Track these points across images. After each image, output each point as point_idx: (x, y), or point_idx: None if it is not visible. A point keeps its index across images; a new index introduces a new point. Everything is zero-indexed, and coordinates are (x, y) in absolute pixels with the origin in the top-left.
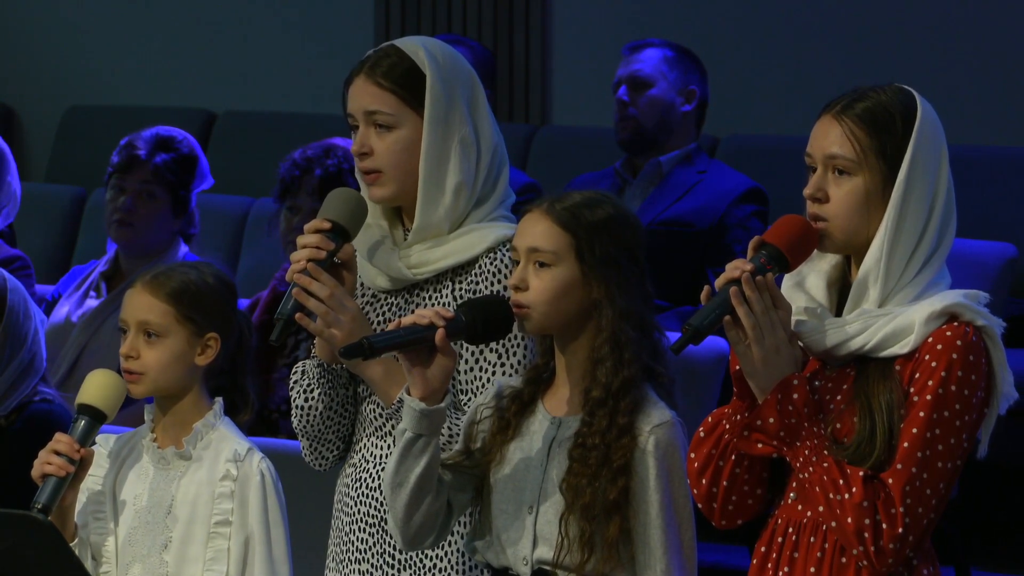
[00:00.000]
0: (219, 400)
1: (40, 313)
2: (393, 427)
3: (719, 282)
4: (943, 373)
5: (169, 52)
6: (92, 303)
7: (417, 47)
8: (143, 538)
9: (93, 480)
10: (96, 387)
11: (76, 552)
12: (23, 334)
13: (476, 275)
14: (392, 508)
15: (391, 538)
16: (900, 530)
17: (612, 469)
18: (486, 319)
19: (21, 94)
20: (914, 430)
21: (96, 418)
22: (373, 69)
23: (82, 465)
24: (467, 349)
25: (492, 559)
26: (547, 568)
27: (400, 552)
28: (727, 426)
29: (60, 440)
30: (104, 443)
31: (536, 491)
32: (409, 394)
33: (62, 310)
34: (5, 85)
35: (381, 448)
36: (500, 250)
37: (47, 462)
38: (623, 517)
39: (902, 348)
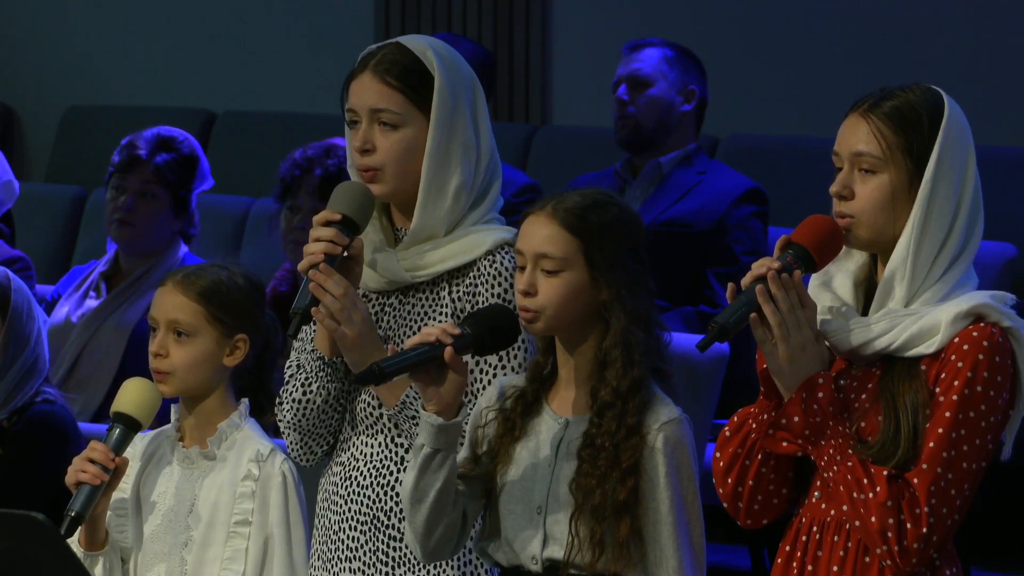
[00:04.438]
0: (245, 401)
1: (43, 314)
2: (386, 425)
3: (746, 280)
4: (969, 373)
5: (169, 52)
6: (92, 303)
7: (425, 47)
8: (165, 537)
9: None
10: (132, 395)
11: (108, 558)
12: (27, 335)
13: (474, 278)
14: (412, 523)
15: (385, 536)
16: (925, 530)
17: (621, 470)
18: (492, 330)
19: (21, 94)
20: (940, 430)
21: (131, 427)
22: (380, 67)
23: (116, 474)
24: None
25: (502, 559)
26: (558, 563)
27: (394, 549)
28: (753, 425)
29: (95, 448)
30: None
31: (545, 492)
32: (424, 408)
33: (62, 310)
34: (5, 85)
35: (372, 446)
36: (499, 253)
37: (82, 470)
38: (633, 516)
39: (928, 348)
